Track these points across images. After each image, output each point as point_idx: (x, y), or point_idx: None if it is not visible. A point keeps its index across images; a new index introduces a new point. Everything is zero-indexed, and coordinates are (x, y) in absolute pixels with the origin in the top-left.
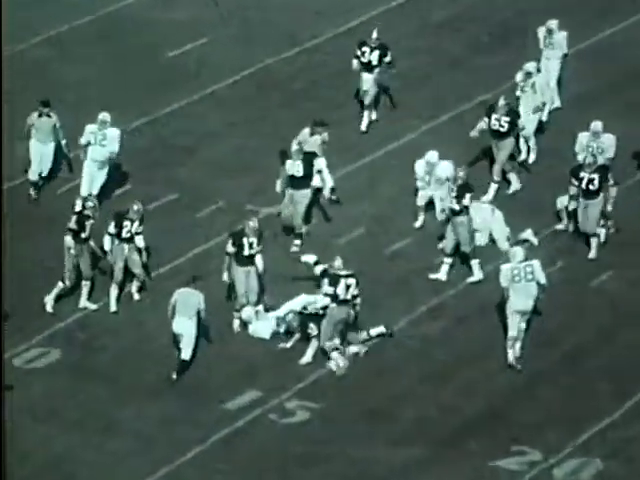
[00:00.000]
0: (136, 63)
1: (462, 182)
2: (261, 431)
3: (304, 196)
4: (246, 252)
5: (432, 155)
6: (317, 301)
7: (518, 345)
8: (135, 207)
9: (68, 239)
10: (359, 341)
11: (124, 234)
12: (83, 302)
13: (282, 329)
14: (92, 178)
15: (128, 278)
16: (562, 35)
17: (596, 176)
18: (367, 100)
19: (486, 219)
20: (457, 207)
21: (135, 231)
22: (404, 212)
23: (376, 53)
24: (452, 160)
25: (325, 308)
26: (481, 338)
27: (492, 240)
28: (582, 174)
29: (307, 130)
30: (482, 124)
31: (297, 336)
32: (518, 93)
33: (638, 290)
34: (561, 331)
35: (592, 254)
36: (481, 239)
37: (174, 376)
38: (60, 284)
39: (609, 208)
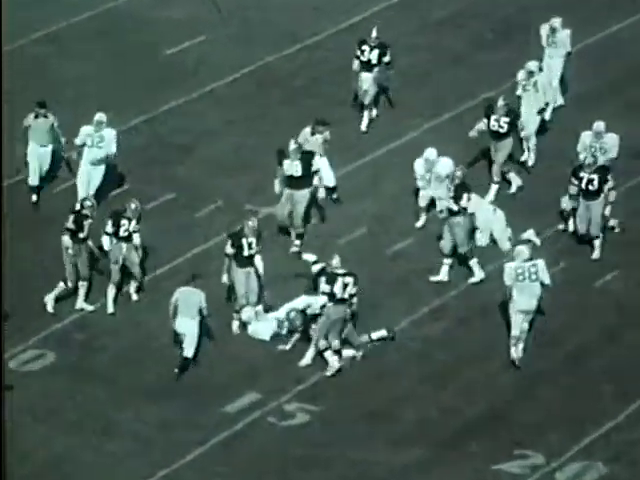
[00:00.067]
0: (134, 61)
1: (459, 181)
2: (260, 434)
3: (304, 196)
4: (246, 253)
5: (431, 152)
6: (316, 302)
7: (521, 346)
8: (133, 205)
9: (66, 239)
10: (360, 344)
11: (122, 233)
12: (80, 303)
13: (284, 330)
14: (89, 179)
15: (126, 278)
16: (565, 33)
17: (595, 177)
18: (367, 100)
19: (488, 218)
20: (455, 207)
21: (133, 229)
22: (405, 212)
23: (375, 52)
24: (454, 158)
25: (323, 307)
26: (483, 339)
27: (493, 240)
28: (582, 174)
29: (308, 129)
30: (481, 125)
31: (296, 337)
32: (519, 92)
33: None
34: (564, 332)
35: (596, 254)
36: (482, 239)
37: (176, 370)
38: (62, 285)
39: (606, 212)
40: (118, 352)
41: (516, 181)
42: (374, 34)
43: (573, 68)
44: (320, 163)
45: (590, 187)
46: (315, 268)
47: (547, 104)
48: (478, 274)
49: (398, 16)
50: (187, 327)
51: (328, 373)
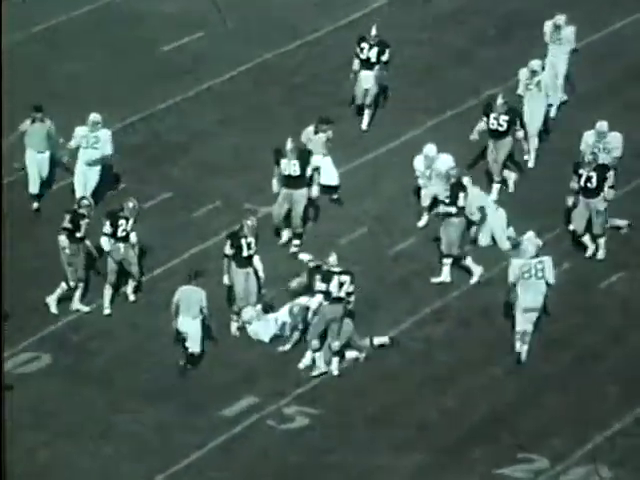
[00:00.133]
0: (130, 57)
1: (455, 181)
2: (259, 437)
3: (303, 195)
4: (245, 253)
5: (430, 149)
6: (311, 302)
7: (525, 348)
8: (130, 204)
9: (62, 239)
10: (361, 348)
11: (120, 233)
12: (76, 304)
13: (287, 328)
14: (85, 180)
15: (123, 278)
16: (570, 30)
17: (594, 175)
18: (368, 99)
19: (490, 214)
20: (453, 210)
21: (130, 229)
22: (407, 211)
23: (375, 50)
24: (456, 157)
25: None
26: (485, 341)
27: (493, 239)
28: (581, 171)
29: (311, 128)
30: (482, 124)
31: (296, 337)
32: (520, 91)
33: None
34: (569, 333)
35: (600, 255)
36: (483, 240)
37: (181, 363)
38: (63, 285)
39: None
40: (115, 354)
41: (512, 177)
42: (374, 32)
43: (577, 65)
44: (323, 162)
45: (589, 184)
46: (310, 264)
47: (550, 105)
48: (476, 271)
49: (399, 12)
50: (189, 326)
51: (313, 373)
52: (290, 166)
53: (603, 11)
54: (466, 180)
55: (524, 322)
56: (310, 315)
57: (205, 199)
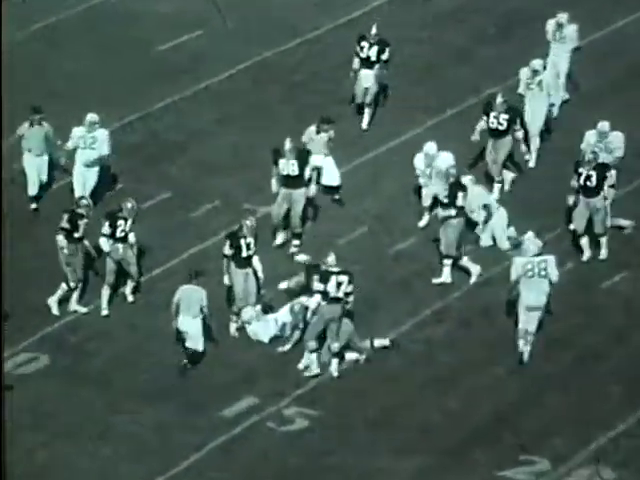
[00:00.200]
0: (128, 56)
1: (453, 180)
2: (258, 439)
3: (302, 195)
4: (244, 253)
5: (430, 147)
6: (310, 302)
7: (527, 349)
8: (129, 205)
9: (60, 238)
10: (360, 349)
11: (119, 233)
12: (73, 305)
13: (288, 328)
14: (84, 181)
15: (122, 279)
16: (572, 28)
17: (594, 173)
18: (368, 98)
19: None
20: (453, 213)
21: (128, 229)
22: (408, 210)
23: (375, 49)
24: (456, 156)
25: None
26: (487, 342)
27: (493, 239)
28: (581, 170)
29: (313, 128)
30: (482, 123)
31: (296, 337)
32: (521, 90)
33: None
34: (571, 333)
35: (603, 254)
36: (484, 240)
37: (185, 362)
38: (63, 286)
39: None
40: (113, 355)
41: (509, 177)
42: (374, 31)
43: (579, 63)
44: (325, 162)
45: (588, 183)
46: (307, 263)
47: (552, 105)
48: (474, 270)
49: (399, 10)
50: (190, 325)
51: (307, 373)
52: (289, 166)
53: (605, 9)
54: (468, 179)
55: (527, 321)
56: (309, 315)
57: (204, 199)
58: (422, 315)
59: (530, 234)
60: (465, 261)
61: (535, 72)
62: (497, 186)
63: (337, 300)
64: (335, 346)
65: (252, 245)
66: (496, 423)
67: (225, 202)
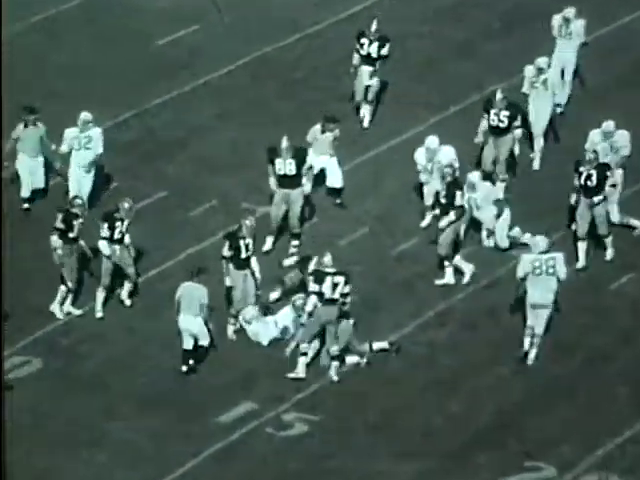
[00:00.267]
0: (124, 51)
1: (451, 179)
2: (257, 445)
3: (300, 195)
4: (243, 255)
5: (432, 140)
6: (307, 303)
7: (534, 351)
8: (126, 205)
9: (54, 239)
10: (360, 352)
11: (116, 235)
12: (67, 307)
13: (288, 333)
14: (79, 187)
15: (117, 281)
16: (580, 23)
17: (594, 173)
18: (370, 96)
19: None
20: (453, 218)
21: (125, 230)
22: (410, 210)
23: (375, 45)
24: (459, 153)
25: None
26: (491, 344)
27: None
28: (582, 169)
29: (318, 127)
30: (484, 122)
31: (295, 342)
32: (525, 89)
33: None
34: (578, 335)
35: (609, 255)
36: (486, 241)
37: (192, 362)
38: (62, 288)
39: (615, 211)
40: (108, 358)
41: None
42: (374, 27)
43: (584, 60)
44: (329, 163)
45: (589, 183)
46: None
47: (558, 105)
48: (467, 270)
49: (400, 5)
50: (191, 324)
51: (289, 375)
52: (286, 165)
53: (611, 4)
54: (477, 176)
55: (534, 319)
56: (304, 318)
57: (201, 198)
58: (425, 317)
59: (528, 235)
60: (458, 260)
61: (540, 70)
62: (501, 185)
63: (333, 301)
64: (334, 349)
65: (251, 246)
66: (500, 427)
67: (223, 201)
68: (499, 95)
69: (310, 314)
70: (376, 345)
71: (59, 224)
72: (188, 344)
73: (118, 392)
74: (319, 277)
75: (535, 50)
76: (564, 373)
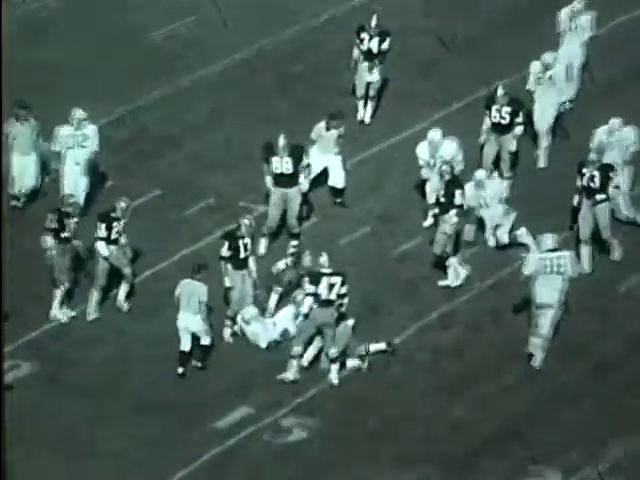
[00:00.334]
0: (117, 45)
1: (449, 177)
2: (254, 451)
3: (297, 193)
4: (242, 255)
5: (435, 133)
6: (304, 304)
7: (540, 355)
8: (123, 204)
9: (46, 239)
10: (357, 355)
11: (113, 235)
12: (65, 310)
13: (288, 335)
14: (75, 183)
15: (112, 282)
16: (587, 17)
17: (597, 173)
18: (371, 92)
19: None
20: (455, 220)
21: (122, 229)
22: (412, 210)
23: (376, 40)
24: (464, 151)
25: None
26: (497, 348)
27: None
28: (584, 170)
29: (323, 124)
30: (487, 121)
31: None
32: (530, 86)
33: None
34: (586, 339)
35: (617, 255)
36: (490, 240)
37: (198, 364)
38: (57, 291)
39: (625, 211)
40: (99, 363)
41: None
42: (374, 22)
43: (592, 55)
44: (333, 162)
45: (591, 184)
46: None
47: (564, 103)
48: (462, 273)
49: None
50: (190, 322)
51: (278, 376)
52: (283, 164)
53: None
54: (484, 174)
55: (539, 318)
56: (300, 319)
57: (197, 196)
58: (427, 320)
59: (523, 229)
60: (454, 261)
61: (547, 66)
62: (506, 183)
63: (329, 303)
64: (332, 352)
65: (249, 246)
66: (505, 434)
67: (219, 200)
68: (500, 91)
69: (306, 316)
70: (372, 347)
71: (51, 224)
72: (185, 345)
73: (110, 398)
74: (315, 278)
75: (540, 45)
76: (571, 379)
